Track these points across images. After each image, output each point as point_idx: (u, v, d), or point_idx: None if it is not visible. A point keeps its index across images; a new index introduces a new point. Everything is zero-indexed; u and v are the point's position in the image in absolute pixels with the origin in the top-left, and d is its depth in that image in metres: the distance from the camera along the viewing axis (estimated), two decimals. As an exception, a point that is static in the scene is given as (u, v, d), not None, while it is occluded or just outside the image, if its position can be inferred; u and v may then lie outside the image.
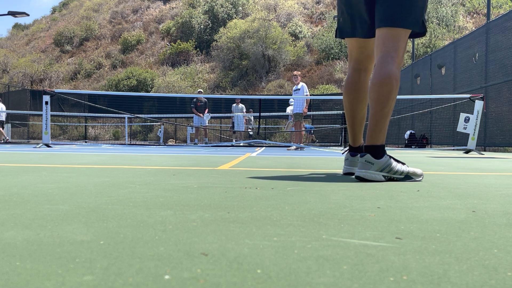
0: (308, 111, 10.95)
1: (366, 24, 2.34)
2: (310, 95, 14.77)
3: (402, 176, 2.11)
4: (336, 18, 2.55)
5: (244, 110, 14.85)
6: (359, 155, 2.29)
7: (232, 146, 12.27)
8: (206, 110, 13.44)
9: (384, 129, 2.17)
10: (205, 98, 13.60)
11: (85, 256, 0.68)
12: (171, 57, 34.23)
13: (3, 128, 16.24)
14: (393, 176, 2.10)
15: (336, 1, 2.63)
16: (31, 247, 0.74)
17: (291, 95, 10.59)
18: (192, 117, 14.10)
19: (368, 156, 2.10)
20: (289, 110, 13.34)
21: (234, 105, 14.77)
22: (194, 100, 13.40)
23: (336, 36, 2.59)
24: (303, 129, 10.81)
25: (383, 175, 2.08)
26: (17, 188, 1.60)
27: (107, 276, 0.59)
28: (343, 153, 2.71)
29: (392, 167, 2.09)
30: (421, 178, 2.16)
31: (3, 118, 16.44)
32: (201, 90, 15.59)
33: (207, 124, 13.76)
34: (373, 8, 2.27)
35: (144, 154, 5.62)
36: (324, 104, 22.01)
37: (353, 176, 2.25)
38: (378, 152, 2.11)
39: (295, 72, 10.24)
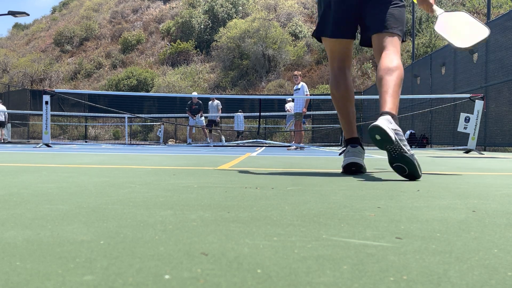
0: (307, 110, 10.96)
1: (353, 26, 2.60)
2: (310, 95, 14.75)
3: (408, 151, 2.07)
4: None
5: (220, 106, 14.83)
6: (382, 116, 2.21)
7: (215, 146, 12.26)
8: (200, 113, 13.53)
9: (398, 101, 2.28)
10: (199, 99, 13.71)
11: (85, 256, 0.68)
12: (171, 57, 34.22)
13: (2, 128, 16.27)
14: (401, 145, 2.06)
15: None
16: (31, 247, 0.74)
17: (292, 95, 10.60)
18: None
19: (389, 116, 2.13)
20: (287, 106, 13.31)
21: (210, 102, 14.74)
22: (189, 102, 13.67)
23: (316, 35, 2.72)
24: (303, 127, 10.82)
25: (395, 137, 2.05)
26: (17, 188, 1.60)
27: (107, 276, 0.59)
28: (340, 154, 2.72)
29: (404, 138, 2.11)
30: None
31: (3, 119, 16.47)
32: (195, 92, 15.65)
33: (204, 124, 13.79)
34: (361, 13, 2.53)
35: (144, 154, 5.62)
36: (324, 104, 22.02)
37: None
38: (395, 120, 2.16)
39: (295, 72, 10.26)
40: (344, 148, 2.64)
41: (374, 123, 2.11)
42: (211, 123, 14.59)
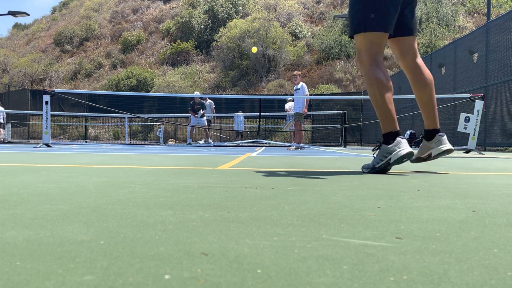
0: (308, 110, 10.97)
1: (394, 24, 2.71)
2: (310, 95, 14.75)
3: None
4: (363, 14, 2.69)
5: (213, 106, 15.07)
6: (438, 135, 2.91)
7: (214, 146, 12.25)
8: (202, 112, 13.58)
9: None
10: (201, 99, 13.78)
11: (85, 256, 0.68)
12: (171, 57, 34.21)
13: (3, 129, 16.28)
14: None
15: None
16: (31, 247, 0.74)
17: (292, 95, 10.61)
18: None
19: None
20: (287, 106, 13.31)
21: (203, 102, 14.94)
22: (191, 102, 13.78)
23: (377, 29, 2.65)
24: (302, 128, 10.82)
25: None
26: (17, 188, 1.60)
27: (107, 276, 0.59)
28: (375, 152, 2.80)
29: None
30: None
31: (2, 120, 16.48)
32: (198, 92, 15.79)
33: (205, 124, 13.81)
34: (403, 10, 2.71)
35: (144, 154, 5.62)
36: (324, 104, 22.01)
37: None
38: None
39: (295, 72, 10.25)
40: (377, 149, 2.73)
41: (449, 147, 2.79)
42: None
